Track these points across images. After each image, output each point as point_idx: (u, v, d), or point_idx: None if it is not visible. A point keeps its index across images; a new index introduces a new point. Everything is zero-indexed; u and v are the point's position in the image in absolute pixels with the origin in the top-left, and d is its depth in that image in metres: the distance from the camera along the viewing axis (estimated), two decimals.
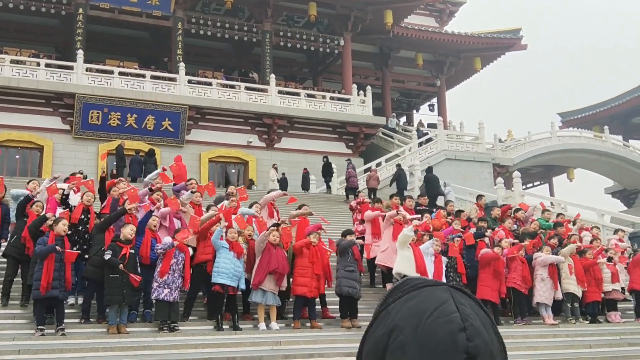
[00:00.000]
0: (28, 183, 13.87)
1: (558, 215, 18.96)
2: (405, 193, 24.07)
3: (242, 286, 12.09)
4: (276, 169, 30.22)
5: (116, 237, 11.35)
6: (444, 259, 13.84)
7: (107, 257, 10.83)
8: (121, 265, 10.79)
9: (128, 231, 11.35)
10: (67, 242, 11.01)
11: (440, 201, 23.35)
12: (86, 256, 11.68)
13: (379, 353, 0.98)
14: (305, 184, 29.57)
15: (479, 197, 20.57)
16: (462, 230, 15.52)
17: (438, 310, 0.98)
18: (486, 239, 15.40)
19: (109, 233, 11.61)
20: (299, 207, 15.10)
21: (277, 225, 12.82)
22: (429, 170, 25.89)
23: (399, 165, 28.48)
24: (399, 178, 26.49)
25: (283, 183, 28.44)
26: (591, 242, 16.73)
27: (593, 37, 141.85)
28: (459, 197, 26.09)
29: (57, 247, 10.54)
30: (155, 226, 12.32)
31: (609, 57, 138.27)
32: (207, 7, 35.89)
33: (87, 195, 12.79)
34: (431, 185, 24.07)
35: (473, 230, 15.56)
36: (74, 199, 13.43)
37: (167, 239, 11.71)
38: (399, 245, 12.90)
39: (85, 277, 11.46)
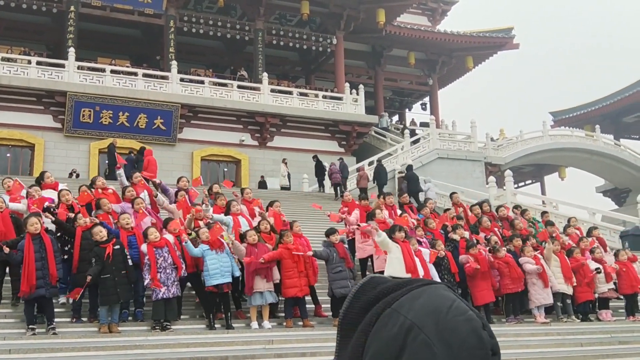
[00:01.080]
0: (2, 181, 13.71)
1: (543, 214, 18.93)
2: (385, 189, 24.85)
3: (237, 273, 12.07)
4: (286, 163, 30.16)
5: (96, 242, 11.14)
6: (426, 251, 13.64)
7: (88, 276, 10.69)
8: (89, 277, 10.61)
9: (97, 233, 11.10)
10: (46, 239, 10.70)
11: (421, 198, 23.90)
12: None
13: (393, 352, 0.95)
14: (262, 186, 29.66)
15: (452, 194, 20.17)
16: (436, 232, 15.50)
17: (454, 308, 0.98)
18: (466, 234, 15.38)
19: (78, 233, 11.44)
20: (270, 204, 15.16)
21: (256, 228, 12.79)
22: (409, 168, 26.67)
23: (379, 161, 29.05)
24: (379, 174, 27.15)
25: (344, 170, 28.60)
26: (579, 241, 16.70)
27: (586, 36, 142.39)
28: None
29: (18, 253, 10.46)
30: (127, 224, 12.08)
31: (602, 56, 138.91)
32: (200, 5, 35.86)
33: (63, 195, 12.64)
34: (411, 183, 24.41)
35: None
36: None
37: (142, 247, 11.58)
38: (384, 249, 12.86)
39: (77, 284, 11.37)
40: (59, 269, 10.72)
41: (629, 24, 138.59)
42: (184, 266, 11.70)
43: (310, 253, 12.56)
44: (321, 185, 29.44)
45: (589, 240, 17.28)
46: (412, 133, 37.03)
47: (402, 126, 42.14)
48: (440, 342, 0.94)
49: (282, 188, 29.39)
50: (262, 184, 29.59)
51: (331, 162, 28.58)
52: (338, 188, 26.97)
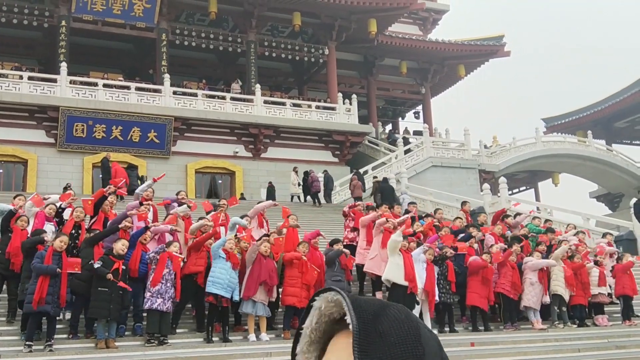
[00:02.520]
0: (14, 198, 13.78)
1: (546, 221, 19.02)
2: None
3: (237, 297, 12.08)
4: (296, 172, 30.13)
5: (109, 251, 11.27)
6: (436, 268, 13.83)
7: (96, 265, 10.77)
8: (110, 275, 10.73)
9: (120, 246, 11.29)
10: (65, 257, 10.86)
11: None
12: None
13: None
14: (271, 196, 29.40)
15: (464, 203, 20.60)
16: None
17: (422, 324, 1.03)
18: (475, 245, 15.44)
19: (98, 248, 11.55)
20: (288, 217, 15.10)
21: (267, 235, 12.81)
22: (384, 181, 27.10)
23: (356, 171, 29.58)
24: (327, 181, 28.59)
25: (329, 182, 29.40)
26: (577, 248, 16.80)
27: (577, 41, 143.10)
28: (446, 204, 26.15)
29: (57, 270, 10.46)
30: (146, 239, 12.28)
31: (593, 61, 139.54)
32: (191, 18, 35.89)
33: (77, 211, 12.75)
34: (385, 195, 24.61)
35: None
36: (67, 214, 13.39)
37: (159, 247, 11.74)
38: (390, 251, 12.91)
39: (72, 290, 11.37)
40: (68, 293, 10.78)
41: (619, 29, 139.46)
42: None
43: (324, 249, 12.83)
44: (306, 196, 29.46)
45: (598, 244, 17.52)
46: (406, 141, 37.11)
47: (386, 134, 42.17)
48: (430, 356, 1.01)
49: (292, 196, 29.57)
50: (271, 191, 28.91)
51: (310, 170, 29.36)
52: (316, 197, 28.21)
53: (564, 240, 16.55)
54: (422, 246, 13.60)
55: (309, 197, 29.09)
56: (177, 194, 15.81)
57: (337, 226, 20.29)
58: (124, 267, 11.17)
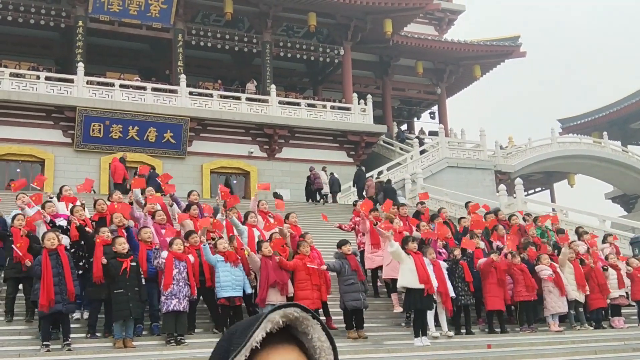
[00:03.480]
0: (17, 197, 13.78)
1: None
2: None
3: (249, 290, 12.12)
4: (325, 171, 30.25)
5: (115, 253, 11.25)
6: (443, 264, 13.72)
7: (104, 261, 10.86)
8: (104, 259, 10.77)
9: (120, 243, 11.27)
10: (63, 255, 10.78)
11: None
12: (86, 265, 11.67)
13: None
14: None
15: (468, 203, 20.12)
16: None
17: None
18: (482, 244, 15.29)
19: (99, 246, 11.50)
20: (287, 217, 15.12)
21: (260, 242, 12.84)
22: (388, 182, 27.75)
23: (358, 166, 30.19)
24: (359, 178, 28.77)
25: (334, 185, 29.58)
26: (587, 250, 16.66)
27: (593, 41, 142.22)
28: (461, 205, 26.05)
29: (36, 267, 10.53)
30: (149, 238, 12.25)
31: (608, 62, 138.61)
32: (207, 19, 36.01)
33: (76, 210, 12.63)
34: (387, 195, 24.90)
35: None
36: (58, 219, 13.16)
37: (162, 254, 11.68)
38: (396, 259, 12.85)
39: (89, 297, 11.43)
40: (75, 286, 10.77)
41: (636, 30, 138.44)
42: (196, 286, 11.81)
43: (324, 267, 12.54)
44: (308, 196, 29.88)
45: (604, 246, 17.36)
46: (420, 142, 37.03)
47: (401, 135, 42.10)
48: None
49: (322, 195, 29.83)
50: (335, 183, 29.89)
51: (310, 167, 29.94)
52: (319, 194, 29.03)
53: (573, 242, 16.43)
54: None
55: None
56: (188, 194, 15.72)
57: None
58: (133, 264, 11.17)
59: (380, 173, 32.76)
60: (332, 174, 30.02)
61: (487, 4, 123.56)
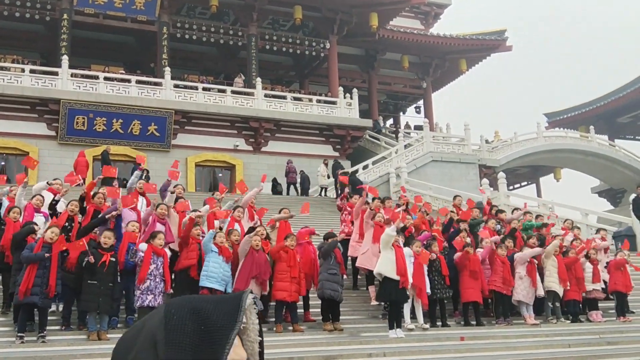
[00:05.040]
0: (9, 189, 13.85)
1: (537, 216, 18.99)
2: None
3: (230, 290, 12.14)
4: (326, 164, 30.34)
5: (97, 245, 11.33)
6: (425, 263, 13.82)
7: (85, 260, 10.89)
8: (91, 258, 10.80)
9: (108, 237, 11.34)
10: (55, 249, 10.85)
11: None
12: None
13: None
14: (276, 192, 30.40)
15: (455, 197, 20.27)
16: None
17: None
18: (468, 239, 15.38)
19: (86, 240, 11.58)
20: (280, 211, 15.15)
21: (253, 228, 12.83)
22: (352, 174, 27.44)
23: (336, 161, 30.54)
24: (334, 171, 28.89)
25: (305, 182, 30.08)
26: (572, 242, 16.84)
27: (580, 35, 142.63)
28: (445, 199, 26.17)
29: (46, 255, 10.50)
30: (134, 231, 12.26)
31: (595, 57, 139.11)
32: (193, 12, 35.91)
33: (72, 205, 12.75)
34: (354, 188, 25.09)
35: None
36: (61, 206, 13.41)
37: (142, 246, 11.69)
38: (382, 245, 12.94)
39: (63, 283, 11.45)
40: (58, 285, 10.78)
41: (623, 24, 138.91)
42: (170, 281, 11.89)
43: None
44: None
45: (591, 238, 17.57)
46: (397, 135, 37.23)
47: (394, 129, 42.23)
48: None
49: (322, 188, 30.10)
50: (276, 186, 30.54)
51: (288, 160, 30.51)
52: (294, 187, 30.10)
53: (558, 236, 16.59)
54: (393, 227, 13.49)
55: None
56: (174, 187, 15.71)
57: (335, 219, 20.28)
58: (112, 260, 11.21)
59: (365, 167, 32.81)
60: (302, 171, 30.25)
61: None
